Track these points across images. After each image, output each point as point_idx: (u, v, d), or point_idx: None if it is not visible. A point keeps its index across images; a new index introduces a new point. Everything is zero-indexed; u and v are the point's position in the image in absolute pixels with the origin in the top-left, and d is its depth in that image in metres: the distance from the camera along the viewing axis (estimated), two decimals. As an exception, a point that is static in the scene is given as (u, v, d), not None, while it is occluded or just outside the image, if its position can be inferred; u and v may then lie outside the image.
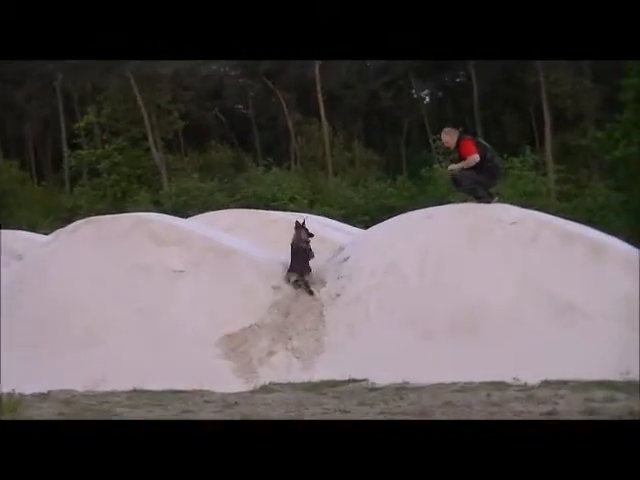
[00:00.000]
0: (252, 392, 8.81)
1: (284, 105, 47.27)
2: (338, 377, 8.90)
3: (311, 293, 10.34)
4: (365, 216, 33.71)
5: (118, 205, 36.80)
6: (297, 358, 9.53)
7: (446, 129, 11.12)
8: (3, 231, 16.51)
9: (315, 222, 11.52)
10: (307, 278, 10.48)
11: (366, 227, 15.60)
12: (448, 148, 11.55)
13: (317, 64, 43.94)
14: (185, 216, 16.12)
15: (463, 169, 10.56)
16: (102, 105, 44.65)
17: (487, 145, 10.84)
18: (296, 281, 10.44)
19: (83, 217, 12.41)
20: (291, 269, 10.57)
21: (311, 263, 10.69)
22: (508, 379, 8.25)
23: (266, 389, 8.91)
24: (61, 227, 11.70)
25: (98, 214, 12.93)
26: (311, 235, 10.91)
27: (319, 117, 44.97)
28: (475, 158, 10.46)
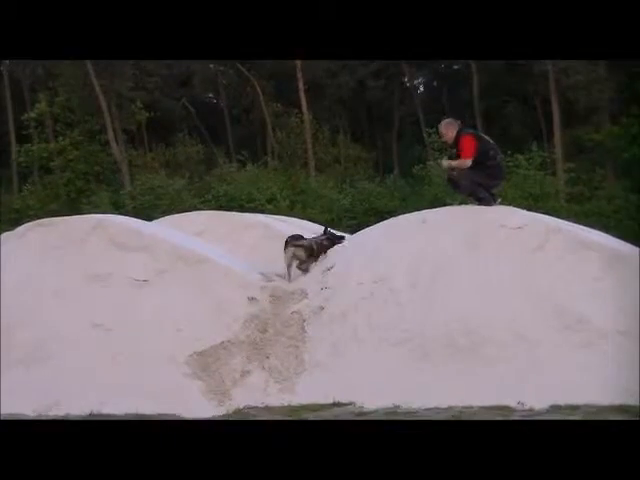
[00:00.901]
0: (224, 416, 8.81)
1: (260, 94, 47.22)
2: (321, 400, 8.90)
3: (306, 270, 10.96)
4: (352, 220, 33.75)
5: (73, 206, 36.57)
6: (275, 379, 9.53)
7: (445, 120, 11.11)
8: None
9: (296, 227, 11.52)
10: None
11: (353, 232, 15.60)
12: (446, 143, 11.56)
13: (298, 48, 43.86)
14: (149, 219, 16.10)
15: (462, 169, 10.60)
16: (55, 92, 44.26)
17: (490, 141, 10.86)
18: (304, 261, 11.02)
19: (33, 219, 12.35)
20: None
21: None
22: (512, 403, 8.28)
23: (240, 413, 8.91)
24: (8, 230, 11.63)
25: (50, 216, 12.85)
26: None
27: (300, 108, 44.91)
28: (467, 163, 10.52)
